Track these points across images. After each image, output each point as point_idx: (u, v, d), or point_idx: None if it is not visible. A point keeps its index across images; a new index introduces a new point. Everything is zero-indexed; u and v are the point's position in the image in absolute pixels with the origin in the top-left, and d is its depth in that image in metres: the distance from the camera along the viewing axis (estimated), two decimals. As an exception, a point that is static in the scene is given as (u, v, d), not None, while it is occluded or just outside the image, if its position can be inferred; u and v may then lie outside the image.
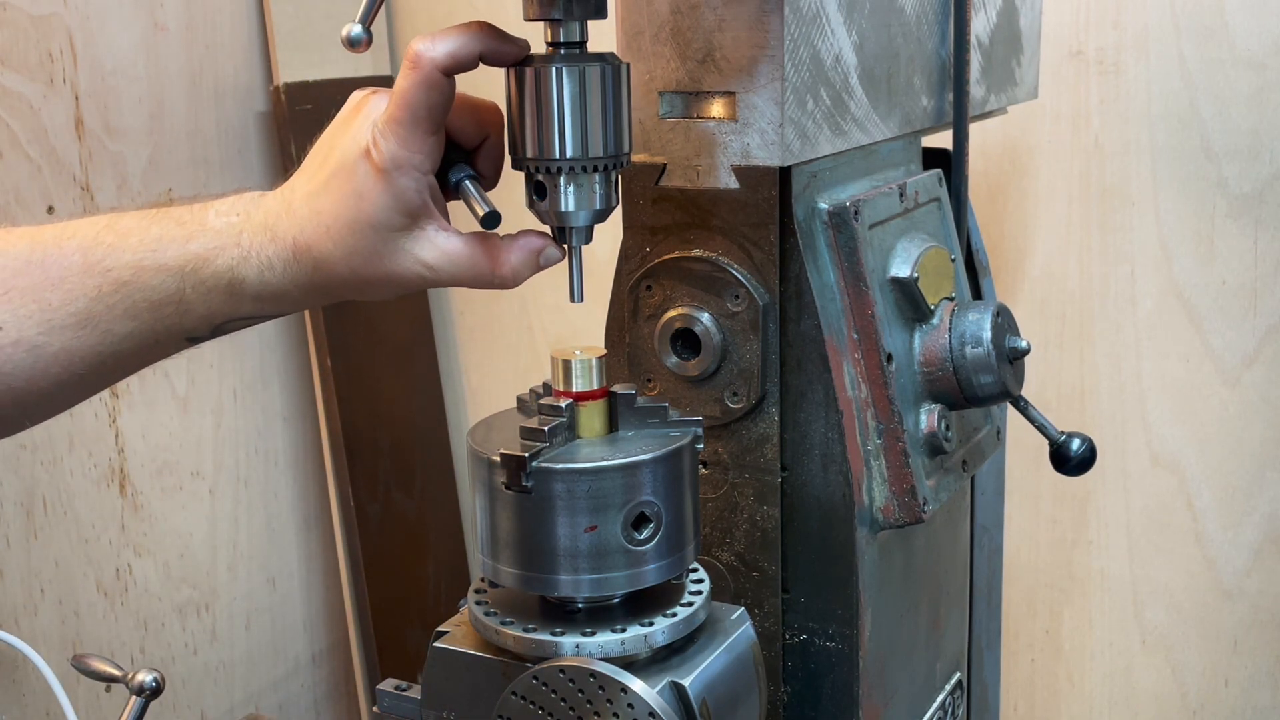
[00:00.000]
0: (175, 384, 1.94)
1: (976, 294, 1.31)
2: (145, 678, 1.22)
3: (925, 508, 1.02)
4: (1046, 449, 1.14)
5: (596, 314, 1.06)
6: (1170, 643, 1.78)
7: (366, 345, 2.14)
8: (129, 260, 0.91)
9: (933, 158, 1.23)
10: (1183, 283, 1.67)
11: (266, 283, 0.91)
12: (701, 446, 0.91)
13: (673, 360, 1.01)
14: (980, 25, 1.22)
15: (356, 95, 0.94)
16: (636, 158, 0.99)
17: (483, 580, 0.93)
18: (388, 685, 0.98)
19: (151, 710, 1.23)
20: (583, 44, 0.87)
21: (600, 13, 0.88)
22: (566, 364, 0.90)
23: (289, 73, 2.02)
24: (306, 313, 2.07)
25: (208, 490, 2.01)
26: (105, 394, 1.80)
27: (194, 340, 0.95)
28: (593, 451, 0.87)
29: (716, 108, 0.95)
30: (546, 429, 0.86)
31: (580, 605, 0.90)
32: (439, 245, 0.89)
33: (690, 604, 0.90)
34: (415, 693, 0.96)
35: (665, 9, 0.95)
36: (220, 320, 0.93)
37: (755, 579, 1.03)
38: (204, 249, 0.91)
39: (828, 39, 0.97)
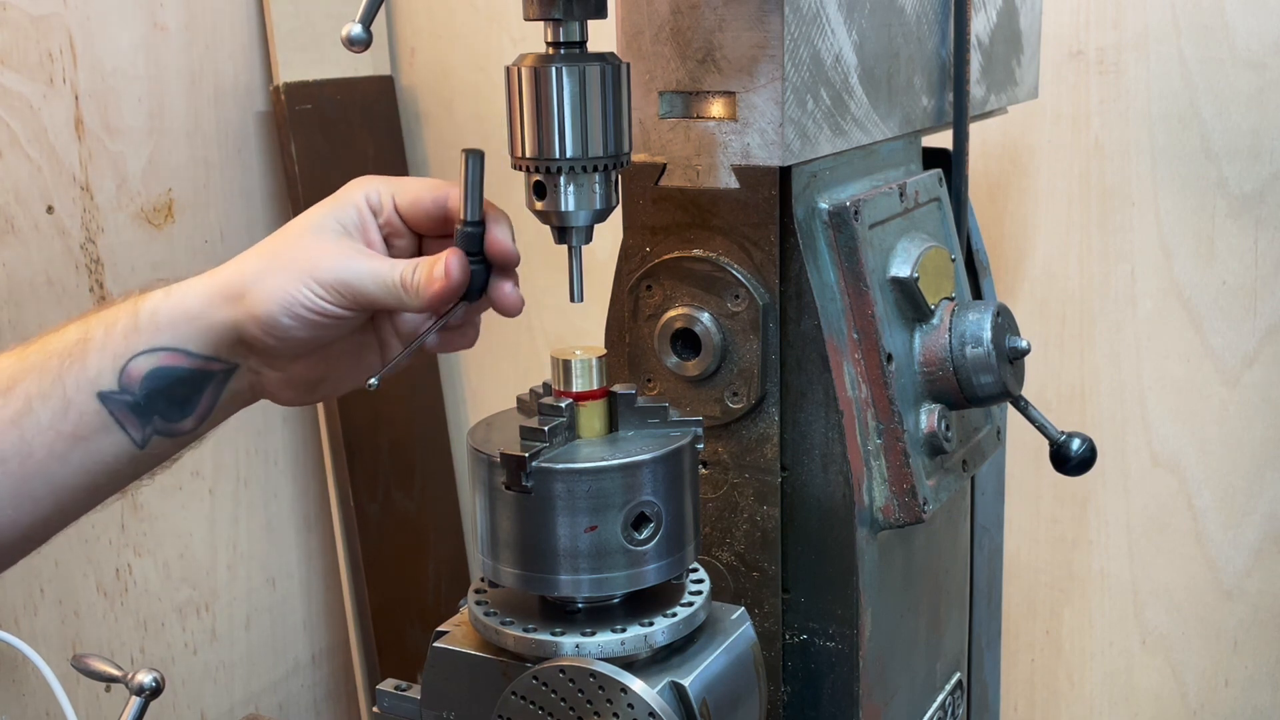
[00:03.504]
0: (175, 384, 1.94)
1: (976, 294, 1.31)
2: (145, 678, 1.22)
3: (925, 508, 1.02)
4: (1046, 449, 1.14)
5: (596, 314, 1.05)
6: (1170, 643, 1.78)
7: (366, 345, 2.14)
8: (63, 324, 0.90)
9: (933, 158, 1.23)
10: (1183, 283, 1.67)
11: (169, 294, 0.89)
12: (701, 446, 0.91)
13: (673, 360, 1.01)
14: (980, 25, 1.22)
15: None
16: (636, 158, 0.99)
17: (483, 580, 0.93)
18: (388, 685, 0.98)
19: (151, 710, 1.23)
20: (583, 44, 0.87)
21: (600, 13, 0.88)
22: (566, 364, 0.90)
23: (289, 73, 2.02)
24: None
25: (207, 490, 2.01)
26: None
27: (105, 398, 0.88)
28: (593, 451, 0.87)
29: (716, 107, 0.95)
30: (546, 429, 0.86)
31: (580, 605, 0.90)
32: (351, 246, 0.89)
33: (690, 604, 0.90)
34: (415, 693, 0.96)
35: (665, 9, 0.95)
36: (124, 355, 0.88)
37: (755, 579, 1.03)
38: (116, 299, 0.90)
39: (828, 39, 0.97)
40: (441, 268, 0.87)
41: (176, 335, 0.88)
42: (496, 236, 0.90)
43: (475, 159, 0.89)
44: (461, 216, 0.90)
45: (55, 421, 0.87)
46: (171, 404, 0.90)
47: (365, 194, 0.92)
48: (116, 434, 0.89)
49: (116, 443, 0.89)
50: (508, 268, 0.91)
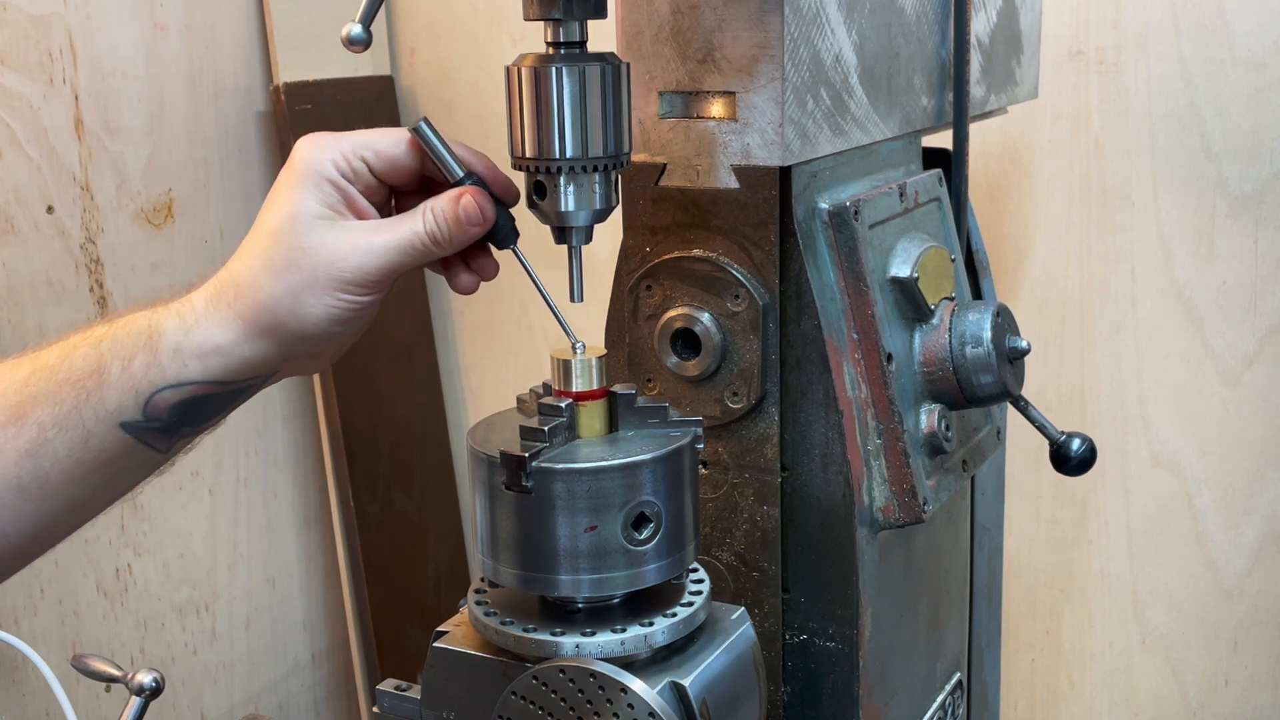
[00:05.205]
0: (175, 384, 1.94)
1: (976, 294, 1.31)
2: (145, 678, 1.22)
3: (925, 508, 1.02)
4: (1046, 449, 1.14)
5: (596, 314, 1.05)
6: (1170, 643, 1.78)
7: (366, 345, 2.14)
8: (60, 347, 0.89)
9: (933, 158, 1.23)
10: (1183, 283, 1.67)
11: (189, 328, 0.87)
12: (701, 446, 0.91)
13: (673, 360, 1.01)
14: (980, 25, 1.22)
15: None
16: (636, 158, 0.99)
17: (483, 580, 0.93)
18: (388, 685, 0.98)
19: (151, 710, 1.23)
20: (583, 44, 0.87)
21: (600, 13, 0.88)
22: (566, 364, 0.90)
23: (289, 73, 2.02)
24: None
25: (207, 490, 2.01)
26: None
27: (129, 428, 0.87)
28: (593, 451, 0.87)
29: (716, 107, 0.95)
30: (546, 429, 0.86)
31: (580, 605, 0.90)
32: (359, 229, 0.88)
33: (690, 604, 0.90)
34: (415, 693, 0.96)
35: (665, 9, 0.95)
36: (147, 390, 0.86)
37: (755, 579, 1.03)
38: (126, 313, 0.88)
39: (828, 39, 0.97)
40: (474, 212, 0.88)
41: (207, 370, 0.88)
42: (499, 178, 0.91)
43: (426, 128, 0.89)
44: (450, 180, 0.89)
45: (75, 451, 0.87)
46: (203, 420, 0.91)
47: (334, 163, 0.89)
48: (141, 452, 0.90)
49: (141, 458, 0.90)
50: (514, 201, 0.93)
